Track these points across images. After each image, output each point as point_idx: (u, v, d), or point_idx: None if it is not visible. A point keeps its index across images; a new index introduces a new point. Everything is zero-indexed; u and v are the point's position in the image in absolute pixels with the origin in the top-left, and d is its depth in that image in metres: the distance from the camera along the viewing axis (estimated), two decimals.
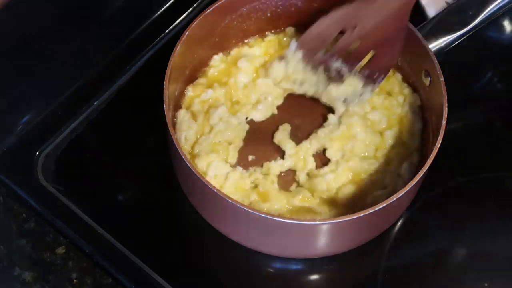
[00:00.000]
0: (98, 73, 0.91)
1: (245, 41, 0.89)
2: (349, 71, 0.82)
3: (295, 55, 0.83)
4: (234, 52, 0.88)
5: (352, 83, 0.82)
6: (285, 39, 0.89)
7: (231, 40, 0.88)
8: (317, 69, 0.83)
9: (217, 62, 0.87)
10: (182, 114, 0.82)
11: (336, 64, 0.82)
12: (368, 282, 0.80)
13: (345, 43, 0.81)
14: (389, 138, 0.82)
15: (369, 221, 0.73)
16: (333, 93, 0.82)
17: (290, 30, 0.89)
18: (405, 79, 0.86)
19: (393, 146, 0.82)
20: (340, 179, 0.80)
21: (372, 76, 0.81)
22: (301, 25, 0.88)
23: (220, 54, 0.87)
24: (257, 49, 0.88)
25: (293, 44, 0.83)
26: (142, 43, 0.94)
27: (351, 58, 0.82)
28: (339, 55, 0.81)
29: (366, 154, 0.81)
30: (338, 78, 0.82)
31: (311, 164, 0.81)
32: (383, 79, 0.82)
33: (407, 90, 0.85)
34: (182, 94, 0.85)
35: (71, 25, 0.87)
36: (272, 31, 0.89)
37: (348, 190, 0.79)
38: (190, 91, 0.85)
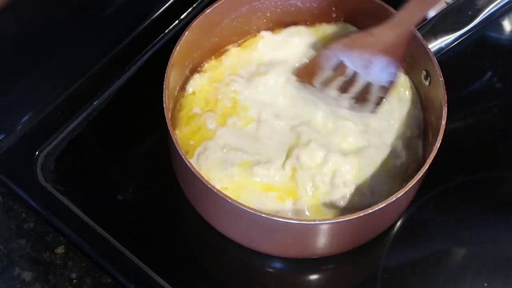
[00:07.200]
0: (98, 73, 0.91)
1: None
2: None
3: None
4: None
5: None
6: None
7: (231, 40, 0.88)
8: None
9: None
10: None
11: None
12: (368, 282, 0.80)
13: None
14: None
15: (369, 221, 0.73)
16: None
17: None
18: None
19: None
20: None
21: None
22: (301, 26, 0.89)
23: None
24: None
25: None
26: (142, 43, 0.94)
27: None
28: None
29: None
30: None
31: None
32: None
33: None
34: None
35: (70, 25, 0.87)
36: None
37: None
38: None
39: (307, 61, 0.85)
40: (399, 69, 0.81)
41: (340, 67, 0.81)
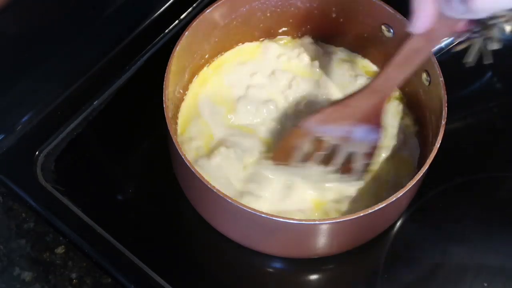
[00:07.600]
0: (98, 73, 0.91)
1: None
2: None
3: None
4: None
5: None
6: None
7: (231, 40, 0.88)
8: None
9: None
10: None
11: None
12: (368, 282, 0.80)
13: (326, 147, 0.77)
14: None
15: (369, 221, 0.73)
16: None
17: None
18: None
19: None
20: None
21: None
22: (301, 26, 0.89)
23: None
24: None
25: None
26: (142, 43, 0.94)
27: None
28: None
29: None
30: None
31: None
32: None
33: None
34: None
35: (70, 25, 0.87)
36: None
37: None
38: None
39: (280, 142, 0.80)
40: (380, 133, 0.76)
41: (317, 142, 0.76)
